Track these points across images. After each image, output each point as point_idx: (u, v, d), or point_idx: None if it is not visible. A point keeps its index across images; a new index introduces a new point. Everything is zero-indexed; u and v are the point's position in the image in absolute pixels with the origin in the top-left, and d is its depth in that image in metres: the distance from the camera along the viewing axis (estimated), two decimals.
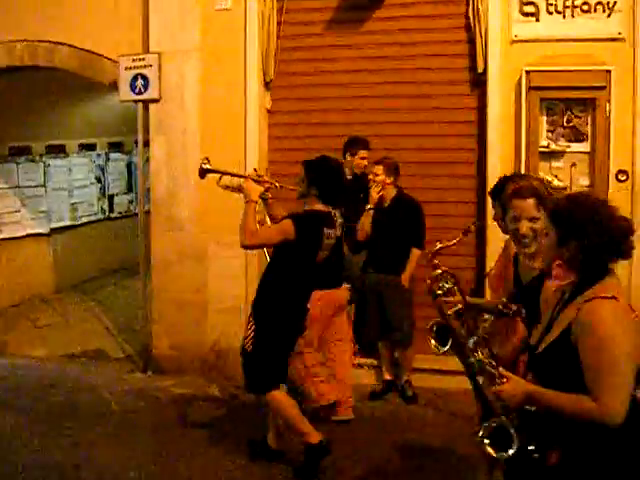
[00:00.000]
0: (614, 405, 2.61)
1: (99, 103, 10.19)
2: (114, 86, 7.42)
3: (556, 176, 6.42)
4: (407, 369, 6.55)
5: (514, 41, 6.47)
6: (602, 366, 2.63)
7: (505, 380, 2.86)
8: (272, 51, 7.01)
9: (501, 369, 2.92)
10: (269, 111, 7.22)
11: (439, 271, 3.55)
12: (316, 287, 5.36)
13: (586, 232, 2.73)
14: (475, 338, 3.13)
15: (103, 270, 11.59)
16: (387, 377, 6.63)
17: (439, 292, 3.49)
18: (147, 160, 7.51)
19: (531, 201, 3.57)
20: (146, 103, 7.28)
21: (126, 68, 7.21)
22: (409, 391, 6.47)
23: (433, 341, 3.37)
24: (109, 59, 7.41)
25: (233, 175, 5.34)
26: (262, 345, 5.00)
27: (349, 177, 6.70)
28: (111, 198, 12.33)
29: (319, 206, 5.12)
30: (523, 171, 6.17)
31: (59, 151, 10.94)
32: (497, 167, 6.38)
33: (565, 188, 6.33)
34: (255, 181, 5.14)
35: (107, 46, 7.41)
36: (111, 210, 12.37)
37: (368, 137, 6.70)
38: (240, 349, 5.16)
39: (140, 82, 7.19)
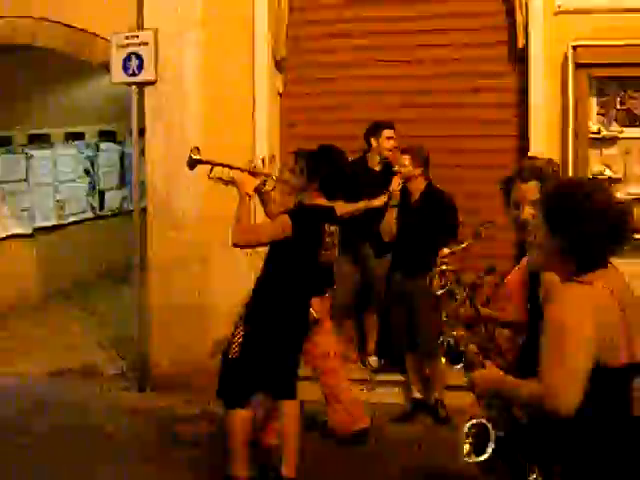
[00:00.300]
0: (556, 385, 2.66)
1: (88, 86, 10.22)
2: (105, 67, 7.41)
3: (608, 165, 6.35)
4: (439, 386, 6.45)
5: (558, 12, 6.42)
6: (549, 346, 2.72)
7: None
8: (284, 26, 6.97)
9: (487, 362, 3.12)
10: (281, 94, 7.20)
11: (439, 269, 3.69)
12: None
13: (577, 222, 2.76)
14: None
15: (93, 275, 11.62)
16: (416, 395, 6.54)
17: (439, 293, 3.61)
18: (143, 150, 7.47)
19: (533, 184, 3.58)
20: (141, 86, 7.26)
21: (118, 47, 7.17)
22: (441, 411, 6.38)
23: (443, 359, 3.48)
24: (99, 37, 7.37)
25: (225, 166, 5.31)
26: (250, 352, 5.00)
27: (377, 169, 6.66)
28: (102, 194, 12.40)
29: (320, 200, 5.13)
30: (571, 160, 6.12)
31: (43, 141, 10.97)
32: (540, 156, 6.29)
33: (619, 180, 6.26)
34: (250, 173, 5.15)
35: (96, 22, 7.37)
36: (102, 207, 12.44)
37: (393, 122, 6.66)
38: (222, 354, 5.17)
39: (134, 62, 7.16)
